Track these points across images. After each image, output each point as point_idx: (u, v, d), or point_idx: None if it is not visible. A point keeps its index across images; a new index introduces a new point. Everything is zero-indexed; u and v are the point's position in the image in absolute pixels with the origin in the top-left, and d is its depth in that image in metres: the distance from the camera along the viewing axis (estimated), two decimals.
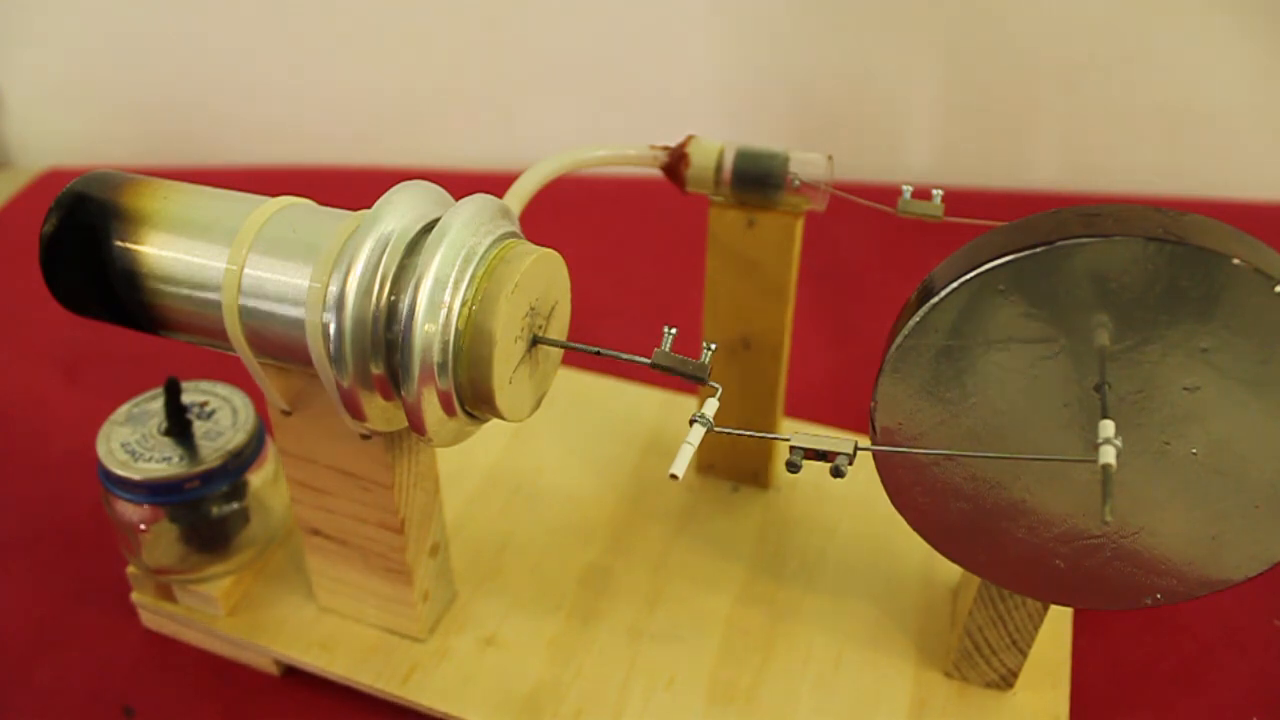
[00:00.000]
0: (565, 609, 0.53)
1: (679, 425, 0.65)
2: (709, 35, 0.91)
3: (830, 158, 0.49)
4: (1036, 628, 0.46)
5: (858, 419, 0.67)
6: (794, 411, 0.66)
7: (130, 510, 0.50)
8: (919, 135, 0.95)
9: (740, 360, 0.56)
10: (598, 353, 0.40)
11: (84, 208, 0.42)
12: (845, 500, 0.60)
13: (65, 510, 0.63)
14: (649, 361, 0.39)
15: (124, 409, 0.53)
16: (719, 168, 0.49)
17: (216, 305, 0.40)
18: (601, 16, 0.91)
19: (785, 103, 0.94)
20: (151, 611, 0.55)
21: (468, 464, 0.62)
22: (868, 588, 0.54)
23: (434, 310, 0.36)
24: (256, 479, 0.52)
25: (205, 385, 0.54)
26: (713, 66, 0.93)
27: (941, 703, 0.49)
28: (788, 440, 0.37)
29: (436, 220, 0.38)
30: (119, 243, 0.42)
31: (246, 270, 0.40)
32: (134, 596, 0.55)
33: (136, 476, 0.49)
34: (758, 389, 0.56)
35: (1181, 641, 0.55)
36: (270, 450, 0.54)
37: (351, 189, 0.92)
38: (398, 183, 0.39)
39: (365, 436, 0.44)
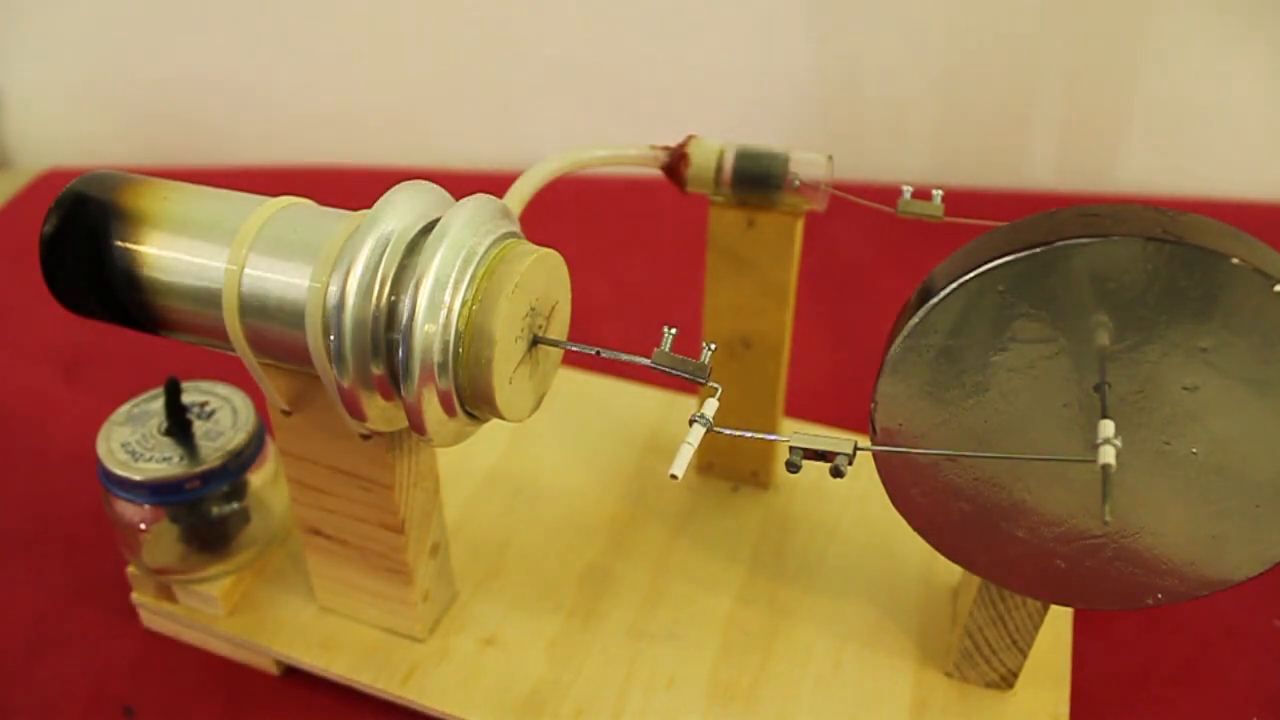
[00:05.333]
0: (565, 609, 0.53)
1: (679, 425, 0.65)
2: (709, 35, 0.91)
3: (830, 158, 0.49)
4: (1036, 628, 0.46)
5: (858, 419, 0.67)
6: (794, 411, 0.66)
7: (130, 510, 0.50)
8: (919, 135, 0.95)
9: (740, 360, 0.56)
10: (598, 353, 0.40)
11: (84, 208, 0.42)
12: (845, 500, 0.60)
13: (65, 510, 0.63)
14: (649, 361, 0.39)
15: (124, 409, 0.53)
16: (719, 168, 0.49)
17: (217, 305, 0.40)
18: (602, 16, 0.91)
19: (785, 103, 0.94)
20: (151, 611, 0.55)
21: (468, 464, 0.62)
22: (868, 588, 0.54)
23: (434, 310, 0.36)
24: (256, 479, 0.52)
25: (205, 385, 0.54)
26: (713, 66, 0.93)
27: (941, 703, 0.49)
28: (787, 440, 0.37)
29: (436, 220, 0.38)
30: (119, 243, 0.42)
31: (246, 270, 0.40)
32: (134, 596, 0.55)
33: (136, 476, 0.49)
34: (758, 389, 0.56)
35: (1181, 641, 0.55)
36: (270, 450, 0.54)
37: (351, 189, 0.92)
38: (398, 183, 0.39)
39: (365, 436, 0.44)
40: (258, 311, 0.40)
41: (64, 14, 0.97)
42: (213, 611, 0.53)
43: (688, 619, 0.53)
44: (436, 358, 0.37)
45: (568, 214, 0.89)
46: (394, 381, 0.38)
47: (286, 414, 0.45)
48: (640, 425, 0.65)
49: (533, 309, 0.39)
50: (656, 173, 0.51)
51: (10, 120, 1.04)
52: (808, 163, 0.49)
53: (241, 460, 0.51)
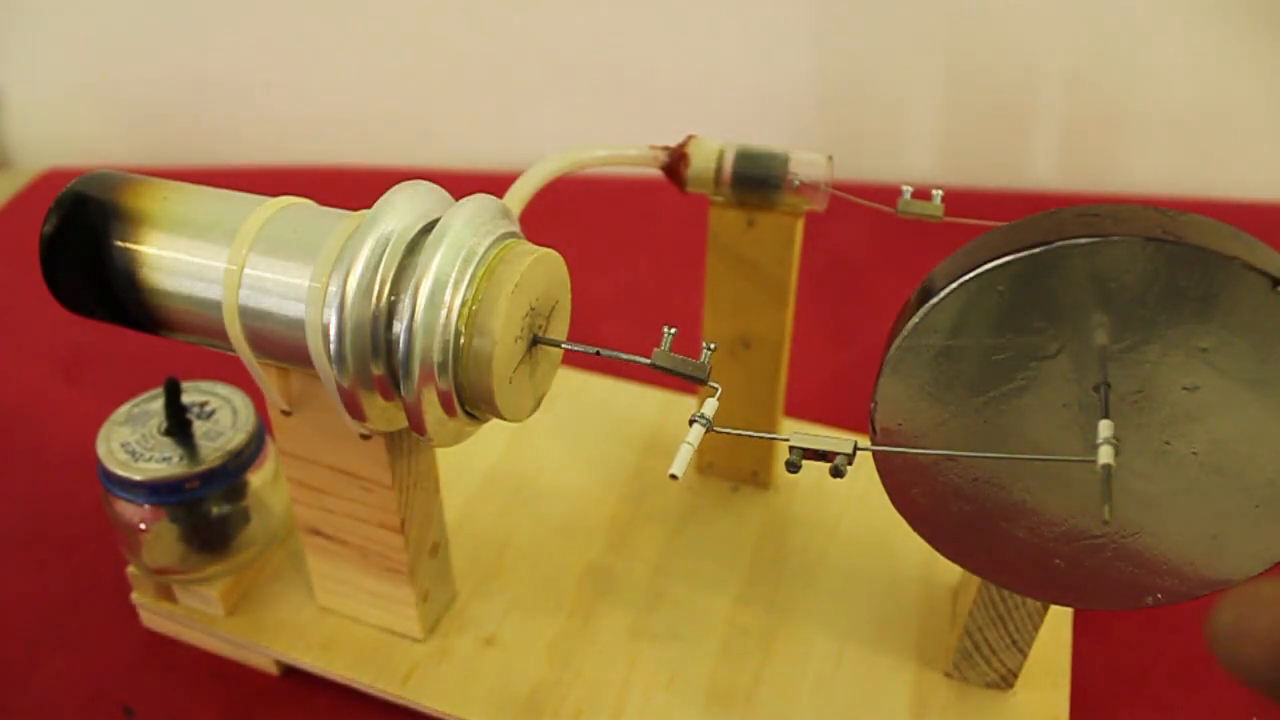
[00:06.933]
0: (565, 609, 0.53)
1: (679, 425, 0.65)
2: (709, 35, 0.91)
3: (830, 158, 0.49)
4: (1036, 628, 0.46)
5: (858, 419, 0.66)
6: (794, 411, 0.66)
7: (130, 510, 0.50)
8: (919, 135, 0.95)
9: (740, 360, 0.56)
10: (598, 353, 0.40)
11: (84, 208, 0.42)
12: (845, 500, 0.60)
13: (65, 510, 0.63)
14: (649, 361, 0.39)
15: (124, 409, 0.53)
16: (719, 168, 0.49)
17: (216, 305, 0.40)
18: (602, 16, 0.91)
19: (785, 103, 0.94)
20: (151, 611, 0.55)
21: (468, 464, 0.62)
22: (868, 588, 0.54)
23: (434, 310, 0.36)
24: (256, 479, 0.52)
25: (205, 385, 0.54)
26: (713, 66, 0.93)
27: (941, 703, 0.49)
28: (787, 440, 0.37)
29: (436, 220, 0.38)
30: (119, 243, 0.42)
31: (246, 270, 0.40)
32: (134, 596, 0.55)
33: (136, 476, 0.49)
34: (758, 389, 0.56)
35: (1181, 641, 0.54)
36: (270, 450, 0.54)
37: (351, 189, 0.92)
38: (398, 183, 0.39)
39: (365, 436, 0.44)
40: (257, 312, 0.40)
41: (64, 14, 0.97)
42: (212, 611, 0.53)
43: (688, 619, 0.53)
44: (436, 358, 0.37)
45: (568, 214, 0.89)
46: (394, 381, 0.38)
47: (286, 414, 0.45)
48: (640, 425, 0.65)
49: (533, 309, 0.39)
50: (656, 173, 0.51)
51: (10, 120, 1.04)
52: (808, 163, 0.49)
53: (241, 460, 0.51)
